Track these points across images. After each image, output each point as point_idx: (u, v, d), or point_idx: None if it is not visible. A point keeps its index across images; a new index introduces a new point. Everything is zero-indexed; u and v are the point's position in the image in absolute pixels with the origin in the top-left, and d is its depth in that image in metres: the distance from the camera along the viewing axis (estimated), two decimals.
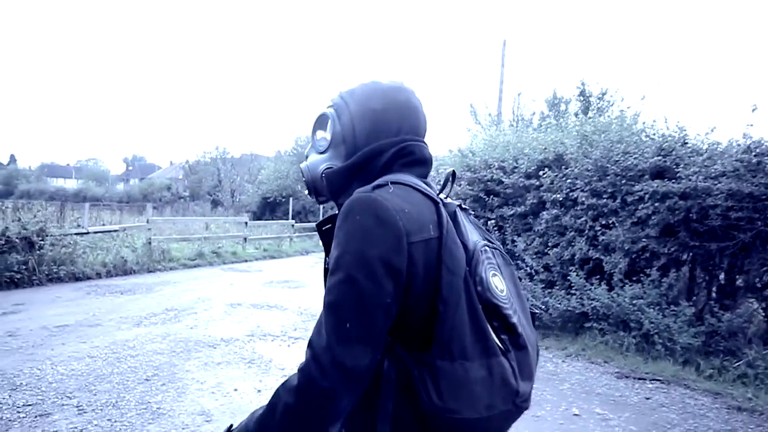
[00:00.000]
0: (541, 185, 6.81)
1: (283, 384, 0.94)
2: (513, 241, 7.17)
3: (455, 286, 0.92)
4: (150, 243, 10.43)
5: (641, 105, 17.96)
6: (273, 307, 7.32)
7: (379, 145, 1.07)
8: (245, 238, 13.89)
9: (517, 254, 7.01)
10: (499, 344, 0.94)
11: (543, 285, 6.43)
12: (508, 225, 7.32)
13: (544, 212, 6.65)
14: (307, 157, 1.18)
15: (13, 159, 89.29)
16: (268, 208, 28.88)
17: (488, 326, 0.95)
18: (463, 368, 0.91)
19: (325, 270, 1.08)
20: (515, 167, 7.31)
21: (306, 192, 1.20)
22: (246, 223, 14.93)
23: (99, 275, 8.92)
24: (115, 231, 10.63)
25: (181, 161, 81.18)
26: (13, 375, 4.11)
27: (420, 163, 1.10)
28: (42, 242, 8.14)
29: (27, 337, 5.17)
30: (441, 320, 0.90)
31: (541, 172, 6.67)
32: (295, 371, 0.93)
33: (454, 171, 1.18)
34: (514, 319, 0.98)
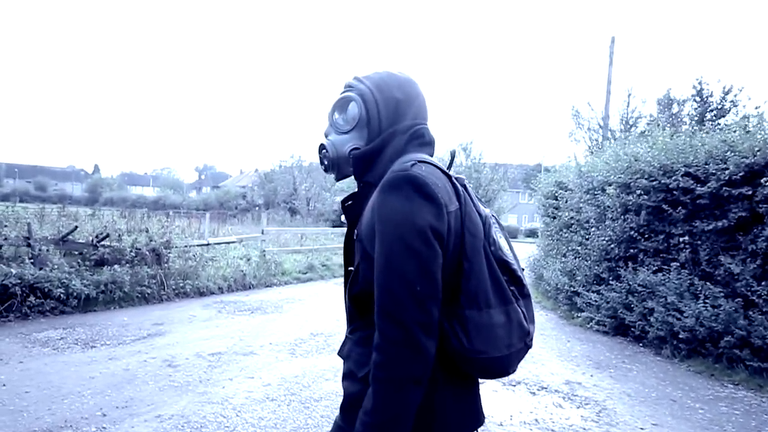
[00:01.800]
0: (754, 195, 5.63)
1: (372, 374, 1.02)
2: (711, 261, 5.99)
3: (477, 246, 1.10)
4: (264, 255, 9.89)
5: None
6: None
7: (398, 129, 1.21)
8: None
9: (719, 277, 5.83)
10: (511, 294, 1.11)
11: None
12: (703, 242, 6.14)
13: (766, 228, 5.45)
14: (326, 135, 1.28)
15: (97, 169, 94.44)
16: None
17: (503, 279, 1.11)
18: (488, 315, 1.07)
19: (352, 240, 1.20)
20: (710, 173, 6.13)
21: (322, 167, 1.28)
22: None
23: (221, 290, 8.41)
24: (233, 242, 10.19)
25: (251, 169, 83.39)
26: (199, 425, 3.42)
27: (429, 144, 1.25)
28: (169, 255, 7.69)
29: (188, 369, 4.54)
30: (467, 276, 1.07)
31: (764, 179, 5.47)
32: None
33: (454, 150, 1.53)
34: (520, 273, 1.16)
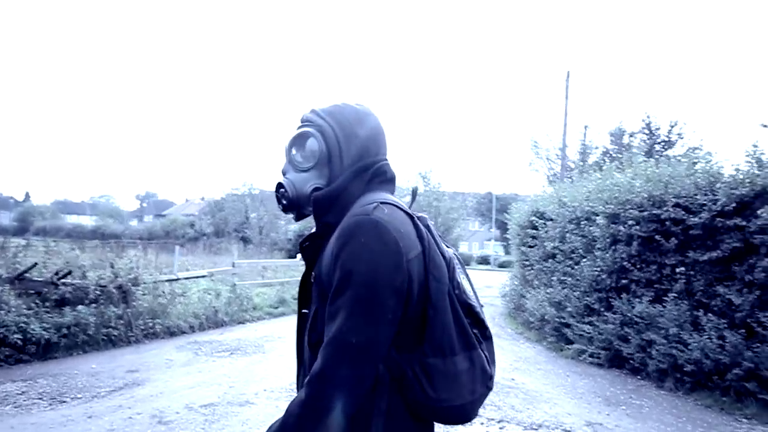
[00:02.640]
0: (747, 226, 5.71)
1: (294, 400, 1.04)
2: (706, 292, 6.00)
3: (441, 292, 1.07)
4: (235, 289, 9.31)
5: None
6: None
7: (362, 166, 1.16)
8: None
9: (715, 308, 5.83)
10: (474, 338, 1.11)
11: None
12: (696, 272, 6.16)
13: (766, 259, 5.50)
14: (284, 173, 1.21)
15: (27, 196, 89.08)
16: None
17: (467, 323, 1.10)
18: (453, 362, 1.05)
19: (308, 283, 1.18)
20: (700, 204, 6.20)
21: (280, 207, 1.21)
22: None
23: (192, 328, 7.78)
24: (203, 276, 9.53)
25: (197, 197, 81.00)
26: None
27: (391, 180, 1.22)
28: (137, 292, 7.05)
29: (182, 426, 4.02)
30: (432, 323, 1.05)
31: (760, 210, 5.55)
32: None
33: (416, 188, 1.45)
34: (482, 315, 1.16)
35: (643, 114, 19.38)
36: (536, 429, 4.37)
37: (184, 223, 44.20)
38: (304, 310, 1.20)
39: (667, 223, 6.42)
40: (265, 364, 6.11)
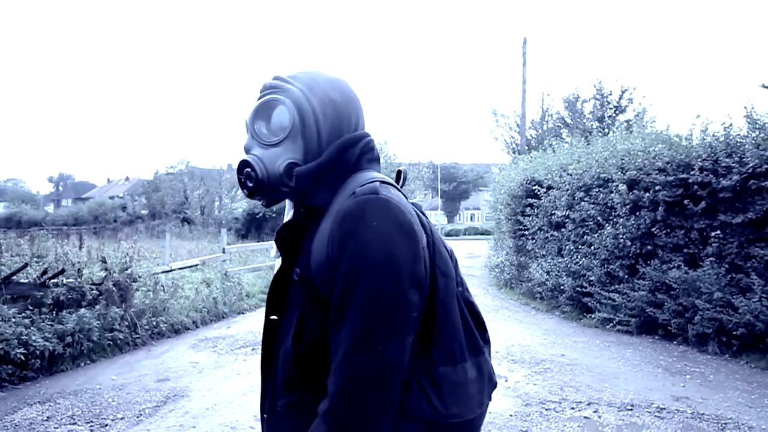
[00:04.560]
0: None
1: (318, 421, 0.84)
2: (740, 254, 6.05)
3: (450, 288, 0.93)
4: (228, 276, 8.56)
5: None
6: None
7: (349, 139, 0.99)
8: None
9: (750, 269, 5.89)
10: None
11: None
12: (727, 235, 6.20)
13: None
14: (248, 150, 1.00)
15: None
16: (254, 225, 26.81)
17: (473, 325, 0.97)
18: (463, 370, 0.91)
19: (287, 281, 0.97)
20: (728, 167, 6.21)
21: (245, 193, 0.99)
22: None
23: (195, 324, 7.03)
24: (195, 266, 8.65)
25: (120, 177, 76.26)
26: None
27: (378, 160, 1.05)
28: (136, 288, 6.23)
29: None
30: (441, 325, 0.90)
31: None
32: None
33: (405, 170, 1.12)
34: (482, 315, 1.03)
35: (596, 80, 19.73)
36: (631, 409, 4.19)
37: (114, 206, 41.46)
38: (273, 317, 0.99)
39: (695, 186, 6.40)
40: None
